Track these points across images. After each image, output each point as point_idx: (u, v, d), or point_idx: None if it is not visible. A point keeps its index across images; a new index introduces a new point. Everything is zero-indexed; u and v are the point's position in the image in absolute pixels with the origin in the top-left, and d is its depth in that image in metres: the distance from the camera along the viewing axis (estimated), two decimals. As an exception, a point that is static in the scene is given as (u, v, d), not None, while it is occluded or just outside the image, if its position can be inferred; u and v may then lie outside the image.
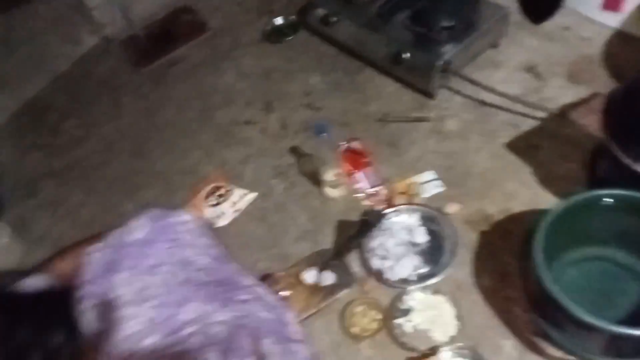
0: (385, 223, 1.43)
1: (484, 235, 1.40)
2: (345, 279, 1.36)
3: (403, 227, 1.43)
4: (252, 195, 1.63)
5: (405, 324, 1.26)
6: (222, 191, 1.65)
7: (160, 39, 2.37)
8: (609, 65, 1.69)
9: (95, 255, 0.89)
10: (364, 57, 1.92)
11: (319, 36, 2.08)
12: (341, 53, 2.01)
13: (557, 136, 1.55)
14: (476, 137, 1.63)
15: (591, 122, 1.19)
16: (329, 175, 1.52)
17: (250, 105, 1.95)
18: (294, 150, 1.72)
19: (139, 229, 0.94)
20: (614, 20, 1.76)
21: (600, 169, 1.27)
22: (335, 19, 1.95)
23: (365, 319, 1.29)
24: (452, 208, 1.45)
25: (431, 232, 1.41)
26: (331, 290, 1.34)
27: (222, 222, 1.58)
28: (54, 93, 2.27)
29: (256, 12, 2.36)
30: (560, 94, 1.65)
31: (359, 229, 1.36)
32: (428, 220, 1.43)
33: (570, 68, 1.73)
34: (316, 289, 1.34)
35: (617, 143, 1.11)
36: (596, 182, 1.13)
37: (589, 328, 0.98)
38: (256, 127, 1.87)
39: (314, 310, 1.32)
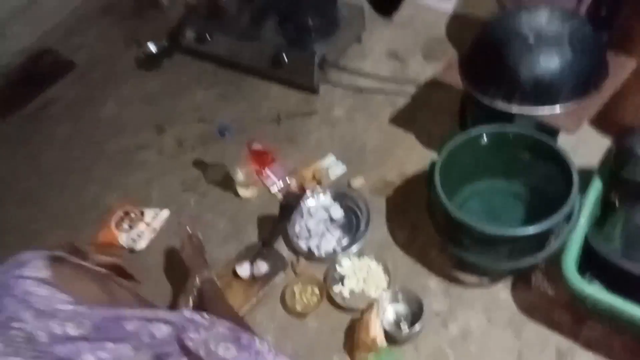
0: (303, 207, 1.53)
1: (389, 199, 1.56)
2: (278, 265, 1.42)
3: (319, 208, 1.54)
4: (165, 212, 1.63)
5: (342, 289, 1.36)
6: (132, 215, 1.62)
7: (24, 85, 2.25)
8: (453, 41, 1.98)
9: None
10: (244, 67, 2.02)
11: (195, 55, 2.14)
12: (221, 67, 2.09)
13: (427, 104, 1.78)
14: (362, 119, 1.80)
15: (453, 78, 1.41)
16: (239, 176, 1.58)
17: (141, 131, 1.94)
18: (198, 163, 1.75)
19: None
20: (448, 6, 2.08)
21: (468, 117, 1.50)
22: (209, 36, 2.02)
23: (305, 296, 1.37)
24: (357, 182, 1.60)
25: (345, 207, 1.54)
26: (266, 278, 1.40)
27: (141, 245, 1.56)
28: None
29: (122, 43, 2.35)
30: (421, 70, 1.90)
31: (280, 213, 1.44)
32: (340, 197, 1.56)
33: (424, 49, 1.99)
34: (252, 281, 1.39)
35: (475, 88, 1.34)
36: (468, 128, 1.35)
37: (491, 238, 1.17)
38: (151, 149, 1.86)
39: (254, 301, 1.36)
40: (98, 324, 0.83)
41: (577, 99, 1.26)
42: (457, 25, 2.04)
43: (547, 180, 1.27)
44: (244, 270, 1.40)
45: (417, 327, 1.21)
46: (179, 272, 1.40)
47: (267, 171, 1.67)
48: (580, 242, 1.17)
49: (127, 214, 1.63)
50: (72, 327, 0.80)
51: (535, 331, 1.23)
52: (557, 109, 1.25)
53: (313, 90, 1.90)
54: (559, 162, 1.21)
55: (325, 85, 1.92)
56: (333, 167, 1.66)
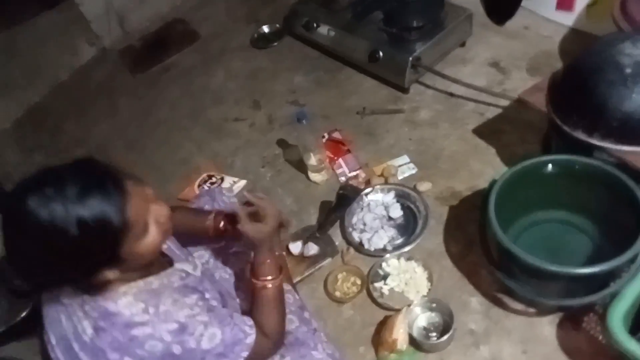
0: (364, 200, 1.58)
1: (452, 209, 1.54)
2: (328, 250, 1.49)
3: (380, 204, 1.57)
4: (243, 182, 1.77)
5: (383, 287, 1.39)
6: (213, 180, 1.78)
7: (155, 48, 2.53)
8: (565, 59, 1.86)
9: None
10: (343, 58, 2.08)
11: (302, 41, 2.25)
12: (323, 55, 2.17)
13: (517, 121, 1.71)
14: (446, 124, 1.78)
15: (537, 100, 1.34)
16: (312, 161, 1.66)
17: (239, 103, 2.10)
18: (281, 142, 1.87)
19: None
20: (567, 19, 1.95)
21: (552, 144, 1.42)
22: (316, 24, 2.11)
23: (346, 285, 1.42)
24: (423, 186, 1.60)
25: (405, 208, 1.56)
26: (315, 260, 1.47)
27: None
28: (54, 99, 2.42)
29: (244, 21, 2.53)
30: (521, 85, 1.80)
31: (336, 201, 1.50)
32: (402, 197, 1.58)
33: (530, 62, 1.90)
34: (301, 259, 1.47)
35: (558, 114, 1.27)
36: (549, 153, 1.28)
37: (543, 274, 1.11)
38: (245, 122, 2.01)
39: (299, 278, 1.45)
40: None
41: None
42: (573, 41, 1.91)
43: (616, 220, 1.17)
44: (295, 247, 1.48)
45: (444, 338, 1.21)
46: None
47: (340, 161, 1.73)
48: (638, 292, 1.08)
49: (210, 177, 1.80)
50: None
51: (571, 376, 1.16)
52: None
53: (403, 89, 1.91)
54: (632, 203, 1.12)
55: (416, 86, 1.92)
56: (404, 167, 1.67)
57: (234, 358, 0.94)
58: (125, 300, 0.85)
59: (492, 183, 1.25)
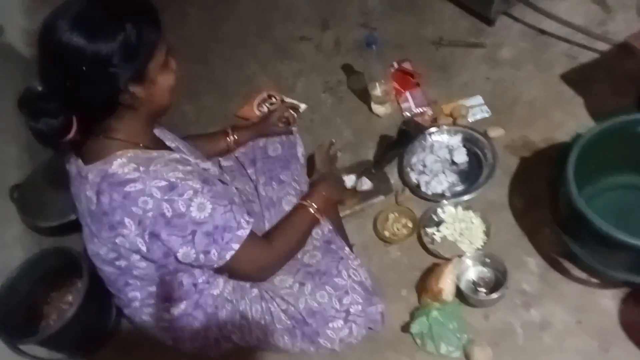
0: (428, 140, 1.48)
1: (524, 160, 1.42)
2: (382, 188, 1.43)
3: (444, 146, 1.47)
4: (303, 106, 1.71)
5: (435, 233, 1.33)
6: (273, 100, 1.73)
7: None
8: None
9: None
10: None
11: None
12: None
13: (614, 71, 1.51)
14: (530, 66, 1.61)
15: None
16: (377, 91, 1.56)
17: (308, 22, 1.98)
18: (346, 68, 1.76)
19: None
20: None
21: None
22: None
23: (397, 226, 1.37)
24: (495, 132, 1.47)
25: (472, 154, 1.45)
26: (367, 195, 1.42)
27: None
28: None
29: None
30: (627, 28, 1.58)
31: (396, 138, 1.41)
32: (470, 142, 1.46)
33: (642, 2, 1.65)
34: (354, 193, 1.42)
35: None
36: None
37: (616, 244, 1.01)
38: (311, 43, 1.91)
39: (348, 212, 1.40)
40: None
41: None
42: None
43: None
44: (349, 180, 1.43)
45: (494, 295, 1.15)
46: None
47: (407, 94, 1.62)
48: None
49: (270, 97, 1.74)
50: None
51: (626, 353, 1.08)
52: None
53: (488, 20, 1.72)
54: None
55: (504, 18, 1.72)
56: (476, 109, 1.54)
57: (223, 246, 0.95)
58: (120, 161, 0.90)
59: (576, 137, 1.12)
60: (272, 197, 1.24)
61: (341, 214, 1.39)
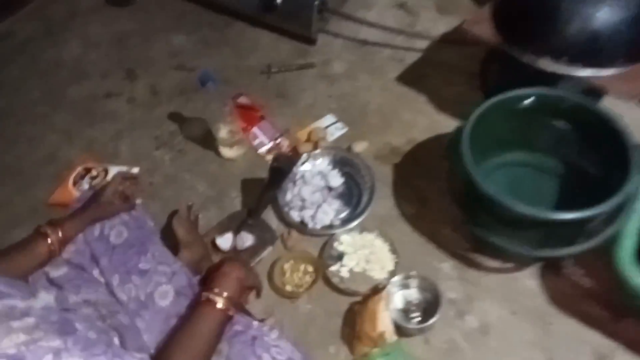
0: (297, 172, 1.32)
1: (396, 167, 1.36)
2: (266, 237, 1.22)
3: (316, 174, 1.33)
4: (135, 170, 1.40)
5: (341, 269, 1.17)
6: (94, 173, 1.38)
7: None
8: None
9: None
10: (231, 10, 1.76)
11: (174, -7, 1.87)
12: (204, 8, 1.82)
13: (440, 64, 1.57)
14: (364, 75, 1.58)
15: (483, 31, 1.19)
16: (222, 133, 1.35)
17: (109, 76, 1.67)
18: (176, 116, 1.52)
19: None
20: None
21: (492, 79, 1.30)
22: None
23: (297, 275, 1.17)
24: (359, 147, 1.39)
25: (345, 175, 1.33)
26: (252, 251, 1.19)
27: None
28: None
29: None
30: (433, 25, 1.68)
31: (270, 178, 1.22)
32: (339, 163, 1.35)
33: (438, 1, 1.77)
34: (235, 255, 1.18)
35: (512, 44, 1.13)
36: (491, 92, 1.14)
37: (528, 221, 0.98)
38: (121, 98, 1.61)
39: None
40: None
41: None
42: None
43: (590, 157, 1.08)
44: (225, 241, 1.19)
45: (433, 319, 1.03)
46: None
47: (255, 130, 1.44)
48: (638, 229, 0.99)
49: (88, 170, 1.39)
50: None
51: (568, 327, 1.06)
52: (613, 70, 1.05)
53: (310, 40, 1.66)
54: (612, 135, 1.02)
55: (323, 36, 1.68)
56: (332, 128, 1.44)
57: None
58: None
59: (459, 129, 1.08)
60: (139, 297, 0.93)
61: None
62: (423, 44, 1.62)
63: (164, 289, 0.94)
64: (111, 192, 1.03)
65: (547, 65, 1.07)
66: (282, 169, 1.20)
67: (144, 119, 1.54)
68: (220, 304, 0.85)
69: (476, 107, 1.08)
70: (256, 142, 1.43)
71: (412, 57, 1.61)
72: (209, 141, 1.42)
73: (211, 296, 0.85)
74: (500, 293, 1.12)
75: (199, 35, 1.76)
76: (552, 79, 1.09)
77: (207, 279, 0.91)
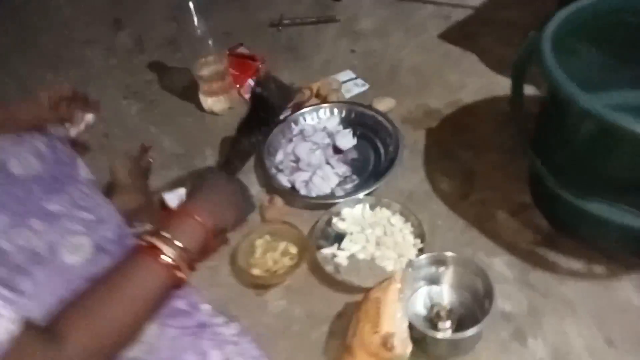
0: (293, 128, 0.97)
1: (431, 132, 0.99)
2: (237, 202, 0.85)
3: (320, 130, 0.97)
4: (89, 117, 1.07)
5: (338, 254, 0.78)
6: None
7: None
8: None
9: None
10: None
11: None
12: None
13: (495, 22, 1.23)
14: (400, 33, 1.25)
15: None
16: (204, 70, 1.03)
17: (92, 25, 1.41)
18: (157, 65, 1.21)
19: None
20: None
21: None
22: None
23: (272, 255, 0.79)
24: (384, 104, 1.03)
25: (361, 136, 0.97)
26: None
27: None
28: None
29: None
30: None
31: (250, 112, 0.84)
32: (354, 122, 0.99)
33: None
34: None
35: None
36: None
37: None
38: (97, 46, 1.33)
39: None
40: None
41: None
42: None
43: None
44: (173, 198, 0.82)
45: (473, 331, 0.62)
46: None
47: (250, 81, 1.11)
48: None
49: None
50: None
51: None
52: None
53: (334, -6, 1.35)
54: None
55: (352, -7, 1.37)
56: (349, 84, 1.09)
57: None
58: None
59: (532, 38, 0.70)
60: (35, 248, 0.58)
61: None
62: (475, 1, 1.28)
63: (78, 241, 0.60)
64: (44, 95, 0.76)
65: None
66: (268, 100, 0.82)
67: (120, 66, 1.25)
68: (168, 256, 0.52)
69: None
70: (249, 96, 1.09)
71: (460, 14, 1.26)
72: (190, 94, 1.10)
73: (155, 241, 0.52)
74: (586, 309, 0.70)
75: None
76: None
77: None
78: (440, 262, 0.70)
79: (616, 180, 0.64)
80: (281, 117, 0.95)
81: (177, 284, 0.55)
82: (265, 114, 0.83)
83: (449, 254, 0.69)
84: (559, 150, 0.71)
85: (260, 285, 0.77)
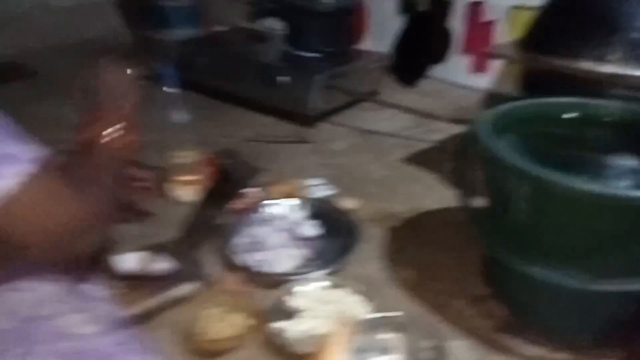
0: (260, 213, 0.99)
1: (393, 231, 1.01)
2: (189, 271, 0.82)
3: (284, 219, 0.99)
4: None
5: (289, 327, 0.74)
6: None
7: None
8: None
9: None
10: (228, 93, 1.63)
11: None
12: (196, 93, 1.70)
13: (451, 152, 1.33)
14: (369, 154, 1.35)
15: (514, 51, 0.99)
16: (177, 158, 1.08)
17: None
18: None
19: None
20: (483, 82, 1.75)
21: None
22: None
23: (224, 326, 0.74)
24: (350, 204, 1.07)
25: (324, 225, 0.99)
26: (165, 283, 0.79)
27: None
28: None
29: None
30: (447, 127, 1.49)
31: (215, 185, 0.85)
32: (319, 216, 1.01)
33: (452, 114, 1.61)
34: (138, 283, 0.78)
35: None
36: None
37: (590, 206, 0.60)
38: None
39: (138, 310, 0.73)
40: None
41: None
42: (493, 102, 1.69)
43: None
44: (127, 261, 0.79)
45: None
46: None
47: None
48: None
49: None
50: None
51: None
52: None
53: (308, 120, 1.48)
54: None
55: (324, 125, 1.50)
56: (319, 187, 1.14)
57: None
58: None
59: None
60: None
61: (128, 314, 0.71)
62: (438, 136, 1.42)
63: None
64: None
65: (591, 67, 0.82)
66: (232, 172, 0.84)
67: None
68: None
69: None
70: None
71: (424, 145, 1.39)
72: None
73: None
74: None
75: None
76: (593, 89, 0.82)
77: None
78: (386, 326, 0.67)
79: (553, 242, 0.66)
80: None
81: None
82: (229, 188, 0.85)
83: (399, 315, 0.67)
84: (502, 220, 0.74)
85: (208, 354, 0.70)
